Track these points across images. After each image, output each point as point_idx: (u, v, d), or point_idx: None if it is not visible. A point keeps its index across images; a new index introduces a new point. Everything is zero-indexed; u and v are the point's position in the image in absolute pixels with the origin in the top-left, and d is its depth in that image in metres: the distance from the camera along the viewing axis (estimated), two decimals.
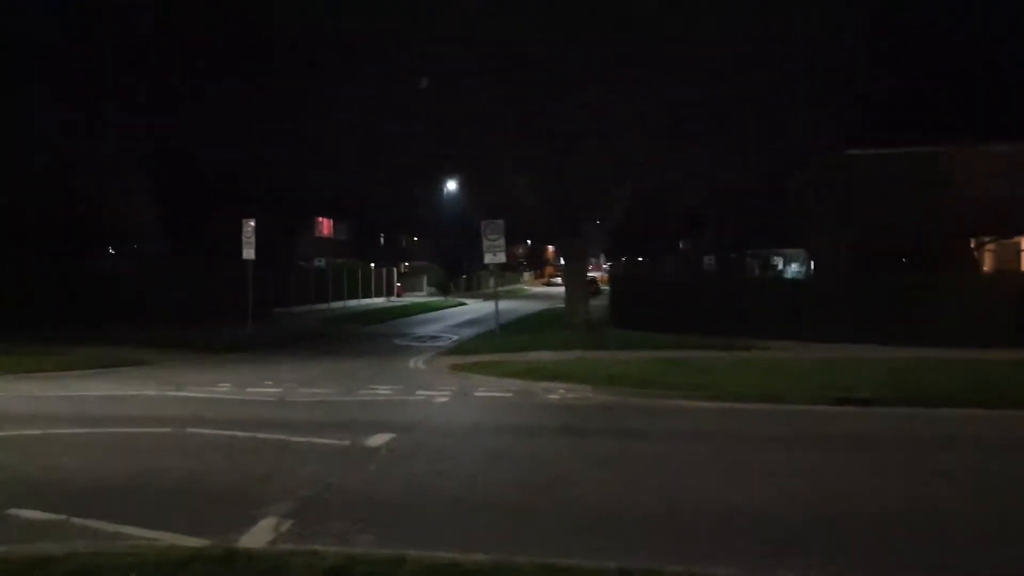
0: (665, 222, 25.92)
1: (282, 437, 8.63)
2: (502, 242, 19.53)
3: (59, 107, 23.62)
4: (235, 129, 27.66)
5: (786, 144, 21.52)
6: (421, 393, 12.25)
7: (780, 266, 27.24)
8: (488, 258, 19.88)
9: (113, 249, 33.34)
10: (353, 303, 41.33)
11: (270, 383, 13.61)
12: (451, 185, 46.40)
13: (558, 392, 12.27)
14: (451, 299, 48.33)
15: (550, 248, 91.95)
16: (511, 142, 17.90)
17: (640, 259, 32.57)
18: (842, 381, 11.94)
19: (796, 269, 27.15)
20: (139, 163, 26.92)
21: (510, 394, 12.18)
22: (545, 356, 16.21)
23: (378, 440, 8.49)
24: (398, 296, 50.49)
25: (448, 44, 16.59)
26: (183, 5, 23.72)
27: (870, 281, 18.99)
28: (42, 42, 22.23)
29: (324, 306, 37.65)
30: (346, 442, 8.40)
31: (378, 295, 46.86)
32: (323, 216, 48.59)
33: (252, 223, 22.49)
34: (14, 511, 5.91)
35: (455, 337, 23.76)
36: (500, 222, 19.48)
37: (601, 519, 5.79)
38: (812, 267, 26.10)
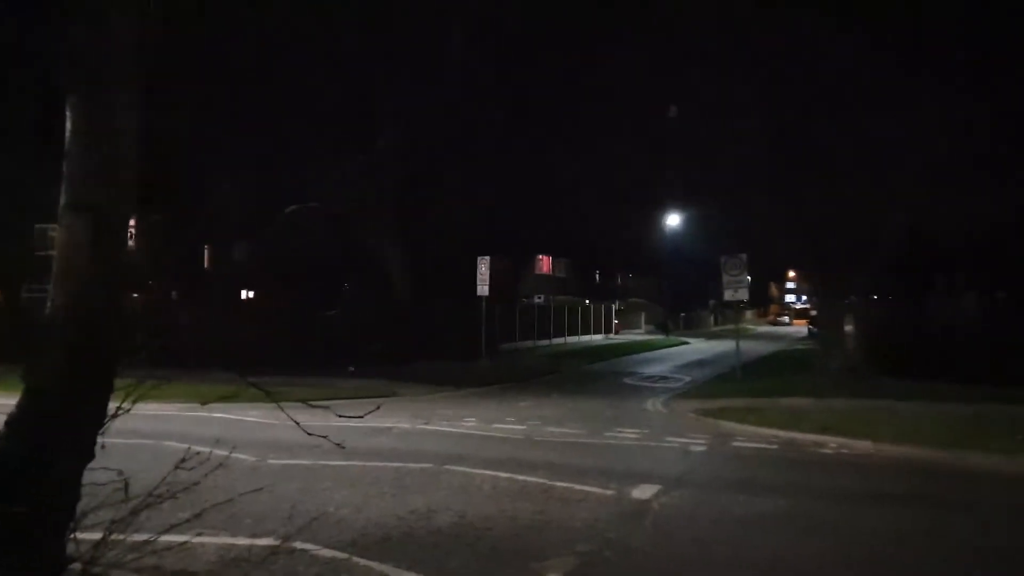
0: (924, 257, 22.87)
1: (543, 481, 8.17)
2: (745, 278, 18.23)
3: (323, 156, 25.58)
4: (468, 170, 28.83)
5: None
6: (672, 440, 11.37)
7: None
8: (728, 295, 18.65)
9: (353, 288, 35.84)
10: (573, 340, 41.22)
11: (512, 420, 13.42)
12: (672, 220, 45.23)
13: (830, 446, 10.85)
14: (672, 338, 46.77)
15: (774, 285, 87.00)
16: (768, 174, 16.61)
17: (886, 297, 29.08)
18: None
19: None
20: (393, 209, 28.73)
21: (774, 446, 10.96)
22: (802, 403, 14.61)
23: (645, 492, 7.78)
24: (616, 333, 49.81)
25: (707, 71, 15.79)
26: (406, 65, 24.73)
27: None
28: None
29: (546, 342, 37.82)
30: (610, 491, 7.78)
31: (596, 332, 46.46)
32: (543, 253, 49.25)
33: (487, 262, 23.04)
34: (300, 544, 5.87)
35: (687, 378, 22.54)
36: (743, 257, 18.21)
37: None
38: None
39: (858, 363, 19.50)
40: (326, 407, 5.06)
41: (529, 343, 35.78)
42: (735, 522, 6.86)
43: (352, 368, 20.38)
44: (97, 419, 2.64)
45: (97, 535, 2.85)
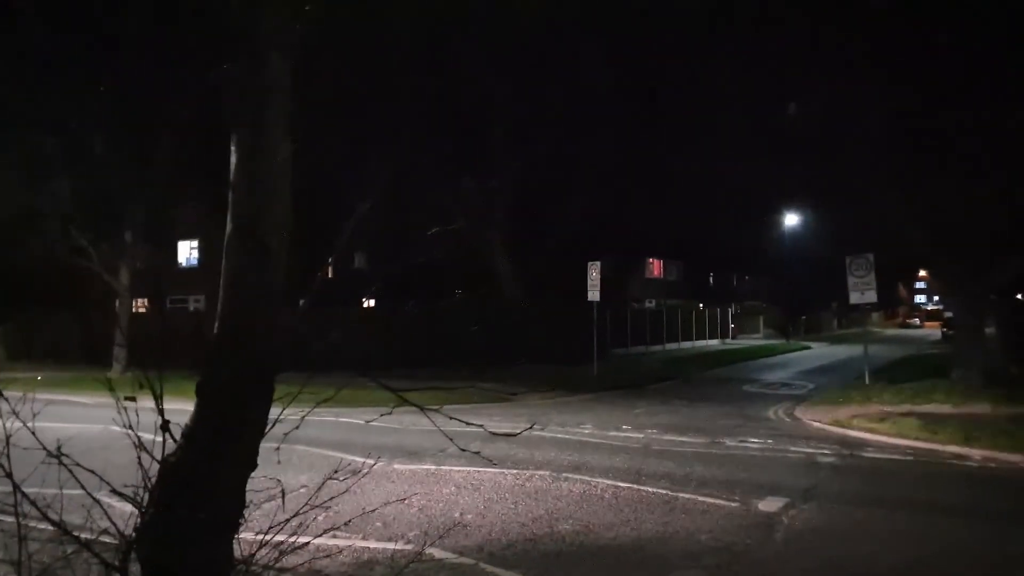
0: None
1: (665, 491, 8.06)
2: (872, 279, 17.31)
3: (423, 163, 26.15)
4: (577, 175, 28.85)
5: None
6: (798, 450, 10.95)
7: None
8: (855, 297, 17.76)
9: (465, 292, 36.53)
10: (687, 345, 40.39)
11: (629, 427, 13.29)
12: (790, 220, 43.52)
13: (974, 458, 10.16)
14: (793, 342, 44.98)
15: (902, 286, 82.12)
16: (894, 169, 15.70)
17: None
18: None
19: None
20: (504, 216, 29.17)
21: (910, 457, 10.38)
22: (940, 411, 13.74)
23: (772, 505, 7.54)
24: (732, 338, 48.40)
25: (826, 65, 15.12)
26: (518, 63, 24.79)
27: None
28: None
29: (659, 347, 37.27)
30: (735, 503, 7.58)
31: (711, 337, 45.32)
32: (653, 256, 48.52)
33: (597, 267, 22.92)
34: (429, 550, 6.03)
35: (811, 385, 21.62)
36: (869, 257, 17.32)
37: None
38: None
39: (1002, 368, 18.13)
40: (482, 424, 5.14)
41: (641, 348, 35.35)
42: (870, 540, 6.54)
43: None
44: (258, 431, 2.84)
45: (254, 536, 3.08)
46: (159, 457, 2.99)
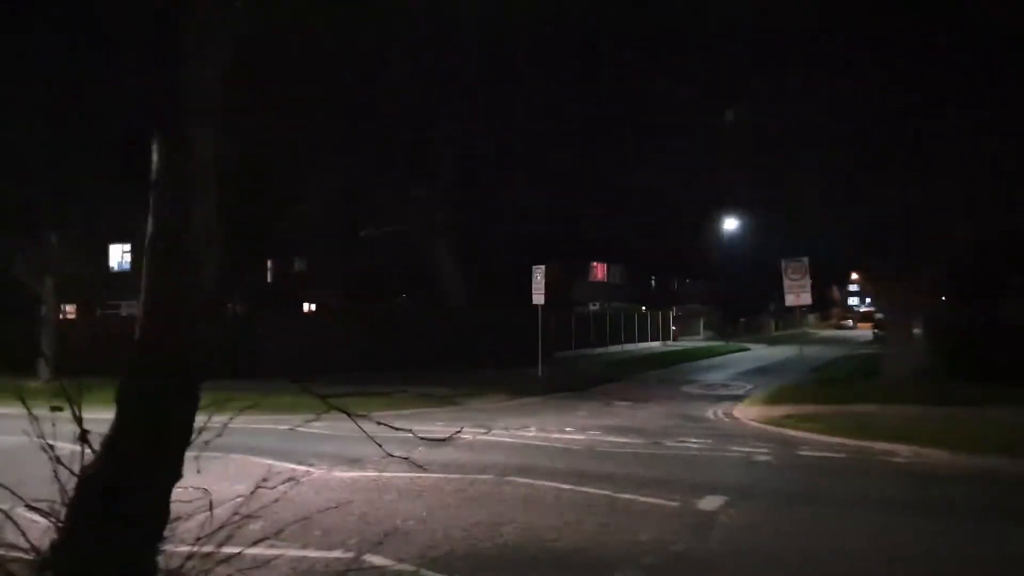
0: (997, 259, 21.79)
1: (606, 492, 8.13)
2: (807, 282, 17.82)
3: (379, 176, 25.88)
4: (522, 179, 28.98)
5: None
6: (736, 449, 11.19)
7: None
8: (790, 300, 18.24)
9: (410, 295, 36.28)
10: (630, 347, 40.88)
11: (572, 429, 13.39)
12: (730, 224, 44.57)
13: (903, 455, 10.54)
14: (732, 344, 45.96)
15: (836, 288, 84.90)
16: (830, 175, 16.17)
17: (956, 300, 27.81)
18: None
19: None
20: (449, 220, 29.10)
21: (842, 455, 10.70)
22: (870, 410, 14.23)
23: (711, 503, 7.67)
24: (674, 340, 49.21)
25: (767, 73, 15.42)
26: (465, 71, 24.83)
27: None
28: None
29: (602, 350, 37.62)
30: (675, 503, 7.69)
31: (653, 339, 45.99)
32: (597, 260, 48.98)
33: (542, 271, 23.07)
34: (368, 557, 5.96)
35: (749, 385, 22.13)
36: (804, 261, 17.82)
37: None
38: None
39: (928, 367, 18.88)
40: (409, 431, 5.10)
41: (585, 351, 35.61)
42: (806, 535, 6.70)
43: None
44: (183, 439, 2.75)
45: (181, 549, 2.97)
46: (77, 469, 2.86)
